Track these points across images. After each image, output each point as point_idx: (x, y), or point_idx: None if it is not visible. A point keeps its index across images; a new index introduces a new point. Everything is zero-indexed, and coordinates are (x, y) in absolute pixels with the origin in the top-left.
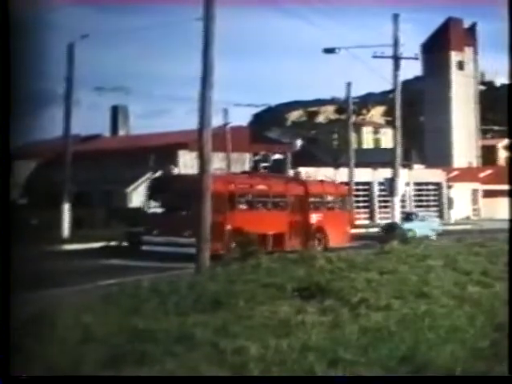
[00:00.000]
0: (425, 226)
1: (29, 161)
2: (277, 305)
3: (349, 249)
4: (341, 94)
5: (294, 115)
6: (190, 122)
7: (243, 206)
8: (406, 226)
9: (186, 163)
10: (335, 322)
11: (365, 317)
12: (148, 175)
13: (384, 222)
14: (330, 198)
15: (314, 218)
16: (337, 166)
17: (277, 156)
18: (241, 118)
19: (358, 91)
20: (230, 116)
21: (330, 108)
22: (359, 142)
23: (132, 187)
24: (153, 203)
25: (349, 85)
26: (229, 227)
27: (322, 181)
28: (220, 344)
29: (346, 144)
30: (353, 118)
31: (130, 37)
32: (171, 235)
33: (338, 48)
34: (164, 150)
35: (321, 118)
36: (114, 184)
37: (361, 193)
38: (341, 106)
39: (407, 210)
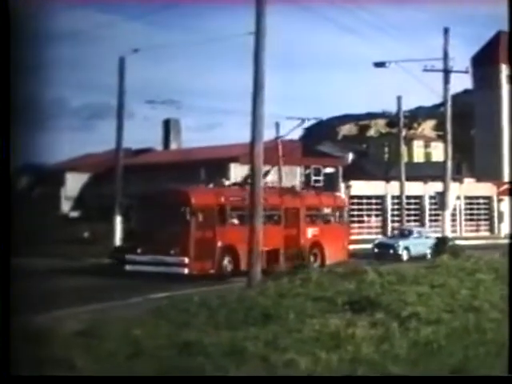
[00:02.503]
0: (421, 244)
1: (81, 174)
2: (327, 318)
3: None
4: (391, 108)
5: (345, 129)
6: (242, 136)
7: (235, 221)
8: (402, 243)
9: (238, 177)
10: (385, 336)
11: (414, 330)
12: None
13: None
14: (326, 211)
15: (310, 232)
16: (387, 179)
17: (328, 170)
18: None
19: (408, 105)
20: (282, 129)
21: (381, 122)
22: (410, 156)
23: None
24: (137, 220)
25: (399, 98)
26: (219, 244)
27: (318, 192)
28: (270, 357)
29: (397, 158)
30: (403, 132)
31: (182, 51)
32: (157, 253)
33: (389, 62)
34: (215, 164)
35: (372, 132)
36: None
37: (412, 206)
38: (391, 119)
39: (400, 225)
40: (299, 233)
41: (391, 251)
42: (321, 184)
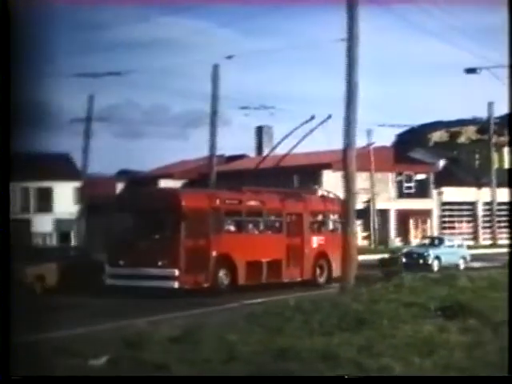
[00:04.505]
0: (453, 253)
1: (175, 180)
2: (420, 324)
3: None
4: (482, 115)
5: (437, 135)
6: (334, 143)
7: (231, 228)
8: (432, 252)
9: (330, 183)
10: (477, 342)
11: (506, 337)
12: None
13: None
14: (333, 217)
15: (316, 241)
16: (479, 185)
17: (419, 176)
18: (384, 138)
19: (499, 111)
20: (374, 136)
21: (472, 128)
22: (500, 162)
23: None
24: (118, 226)
25: (490, 105)
26: (214, 253)
27: (323, 196)
28: (364, 363)
29: (488, 164)
30: (494, 138)
31: (275, 57)
32: (142, 265)
33: (480, 68)
34: (308, 170)
35: (463, 139)
36: None
37: (503, 213)
38: (482, 126)
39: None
40: (303, 242)
41: (421, 261)
42: (412, 190)
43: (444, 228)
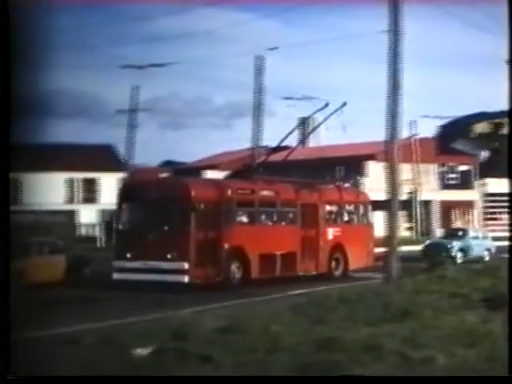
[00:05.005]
0: (478, 245)
1: (220, 171)
2: (463, 315)
3: None
4: None
5: (480, 127)
6: (378, 134)
7: (243, 219)
8: (456, 244)
9: (374, 174)
10: None
11: None
12: None
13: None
14: (349, 208)
15: (331, 233)
16: None
17: (463, 167)
18: (428, 129)
19: None
20: (417, 127)
21: None
22: None
23: None
24: (125, 217)
25: None
26: (226, 246)
27: (338, 186)
28: (408, 354)
29: None
30: None
31: (318, 49)
32: (150, 259)
33: None
34: (352, 161)
35: (506, 130)
36: None
37: None
38: None
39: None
40: (318, 234)
41: (444, 253)
42: (456, 182)
43: (487, 219)
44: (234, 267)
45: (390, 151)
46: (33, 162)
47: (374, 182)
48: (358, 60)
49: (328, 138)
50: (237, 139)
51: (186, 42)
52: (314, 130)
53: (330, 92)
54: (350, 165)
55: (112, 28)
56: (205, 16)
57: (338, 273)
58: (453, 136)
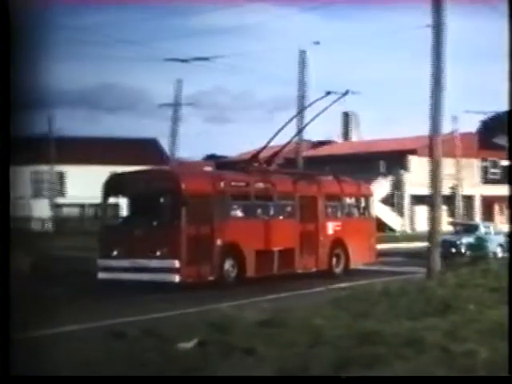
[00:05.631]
0: (489, 241)
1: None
2: (505, 309)
3: None
4: None
5: None
6: (420, 128)
7: (238, 213)
8: (465, 240)
9: (417, 169)
10: None
11: None
12: (379, 180)
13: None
14: (349, 201)
15: (331, 227)
16: None
17: (505, 162)
18: (470, 124)
19: None
20: (460, 122)
21: None
22: None
23: None
24: (110, 211)
25: None
26: (219, 242)
27: (338, 178)
28: (450, 347)
29: None
30: None
31: (359, 43)
32: (138, 256)
33: None
34: (394, 156)
35: None
36: None
37: None
38: None
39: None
40: (318, 228)
41: (453, 249)
42: (498, 176)
43: None
44: (228, 265)
45: (433, 146)
46: (78, 155)
47: (416, 176)
48: (401, 54)
49: (371, 132)
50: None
51: (231, 36)
52: (313, 119)
53: (373, 86)
54: (393, 159)
55: (158, 22)
56: (249, 10)
57: (338, 270)
58: (495, 131)
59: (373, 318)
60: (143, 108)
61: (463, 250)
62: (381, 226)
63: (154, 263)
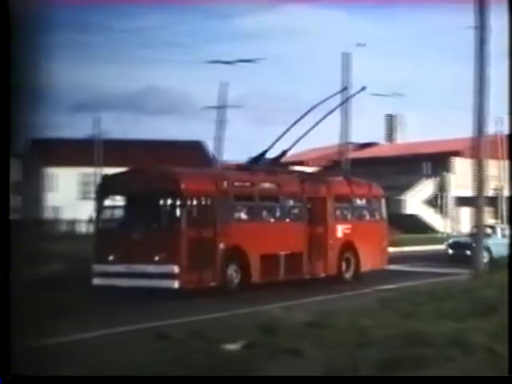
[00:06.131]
0: (506, 244)
1: (307, 167)
2: None
3: None
4: None
5: None
6: (465, 130)
7: (242, 215)
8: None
9: (461, 170)
10: None
11: None
12: (424, 182)
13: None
14: (360, 203)
15: (341, 230)
16: None
17: None
18: None
19: None
20: (504, 124)
21: None
22: None
23: (408, 194)
24: (106, 214)
25: None
26: (222, 246)
27: (348, 179)
28: (496, 349)
29: None
30: None
31: (403, 44)
32: (134, 261)
33: None
34: (438, 158)
35: None
36: (390, 191)
37: None
38: None
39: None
40: (327, 231)
41: (467, 252)
42: None
43: None
44: (231, 270)
45: (477, 148)
46: (123, 157)
47: (460, 178)
48: (446, 56)
49: (417, 133)
50: (325, 135)
51: (274, 39)
52: (326, 115)
53: (418, 88)
54: (437, 161)
55: (202, 25)
56: (293, 13)
57: (348, 275)
58: None
59: (419, 318)
60: (188, 110)
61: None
62: (422, 227)
63: (151, 268)
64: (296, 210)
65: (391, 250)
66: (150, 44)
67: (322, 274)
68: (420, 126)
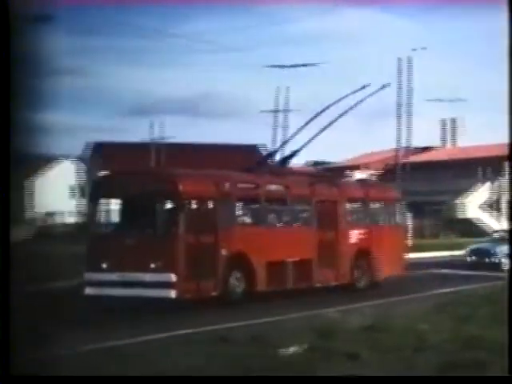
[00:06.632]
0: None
1: (364, 171)
2: None
3: None
4: None
5: None
6: None
7: (246, 219)
8: (501, 249)
9: None
10: None
11: None
12: (478, 186)
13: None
14: (375, 207)
15: (354, 236)
16: None
17: None
18: None
19: None
20: None
21: None
22: None
23: (463, 198)
24: (99, 218)
25: None
26: (224, 252)
27: (362, 181)
28: None
29: None
30: None
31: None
32: (129, 270)
33: None
34: (494, 161)
35: None
36: (445, 195)
37: None
38: None
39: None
40: (338, 237)
41: (487, 259)
42: None
43: None
44: (234, 278)
45: None
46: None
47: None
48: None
49: (476, 137)
50: (381, 140)
51: (332, 43)
52: (340, 115)
53: (472, 93)
54: (491, 165)
55: (261, 29)
56: (347, 16)
57: (362, 284)
58: None
59: (475, 323)
60: (246, 114)
61: (497, 260)
62: (478, 231)
63: (147, 277)
64: (305, 214)
65: (446, 254)
66: (208, 48)
67: (333, 283)
68: (481, 130)
